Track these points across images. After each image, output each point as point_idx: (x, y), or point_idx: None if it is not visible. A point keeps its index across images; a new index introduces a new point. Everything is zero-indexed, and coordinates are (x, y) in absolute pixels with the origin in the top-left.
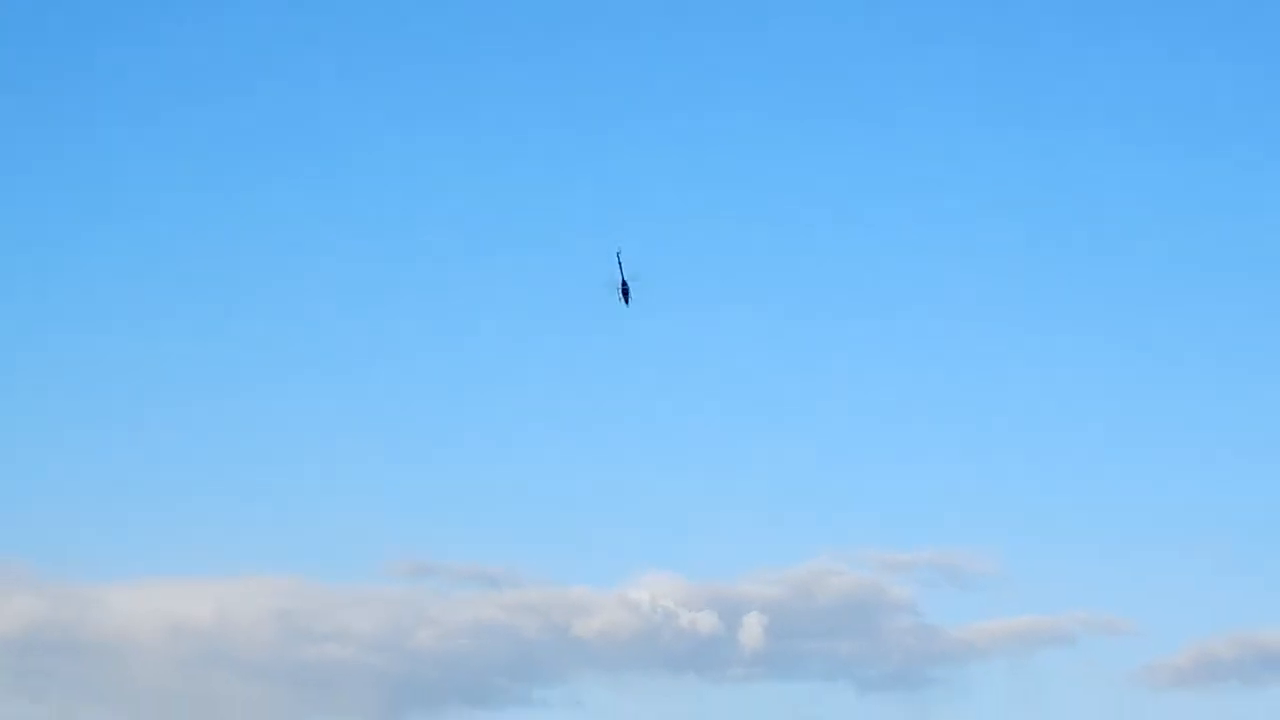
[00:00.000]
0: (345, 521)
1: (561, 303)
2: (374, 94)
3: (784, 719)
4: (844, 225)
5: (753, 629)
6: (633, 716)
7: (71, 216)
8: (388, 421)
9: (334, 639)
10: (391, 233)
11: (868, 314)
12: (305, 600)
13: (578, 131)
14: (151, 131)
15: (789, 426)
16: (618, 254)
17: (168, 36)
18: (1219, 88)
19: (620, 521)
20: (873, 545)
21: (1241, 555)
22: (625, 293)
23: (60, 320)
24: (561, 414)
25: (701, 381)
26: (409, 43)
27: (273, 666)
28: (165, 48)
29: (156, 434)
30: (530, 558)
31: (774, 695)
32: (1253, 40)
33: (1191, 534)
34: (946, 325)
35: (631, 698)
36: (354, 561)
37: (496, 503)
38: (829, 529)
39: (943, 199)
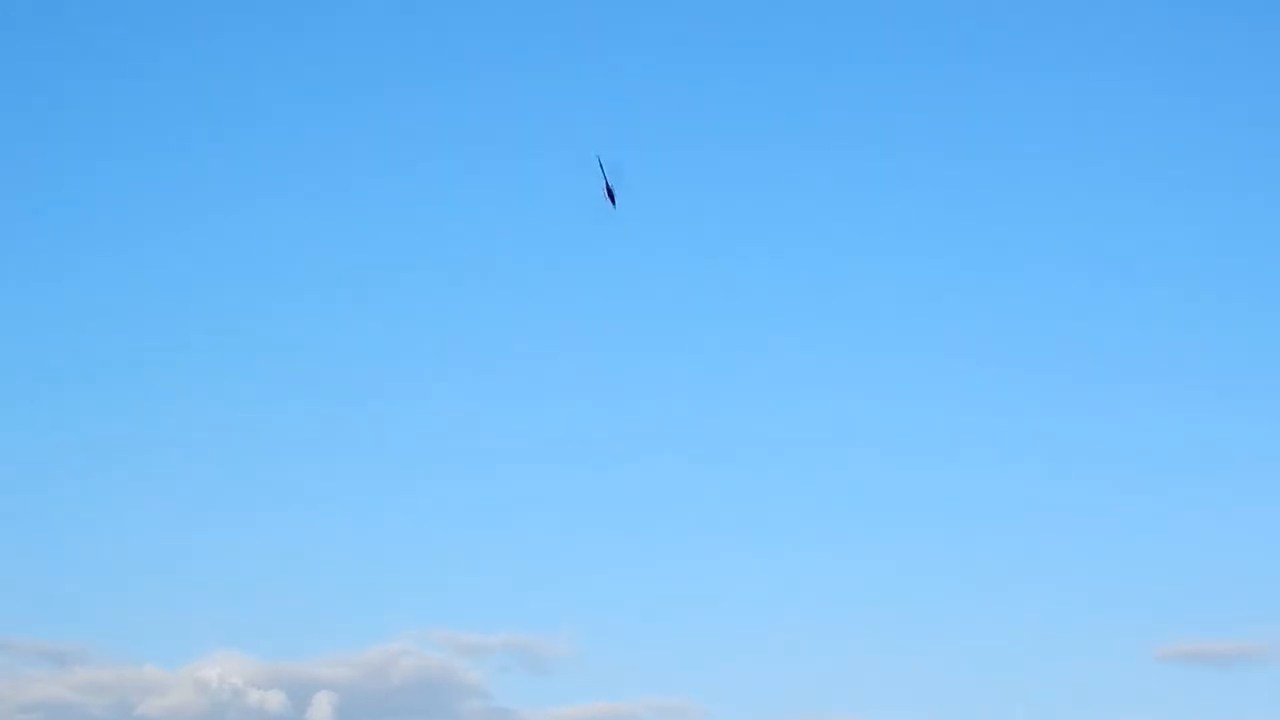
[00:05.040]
0: None
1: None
2: None
3: None
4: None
5: (322, 708)
6: None
7: None
8: None
9: None
10: None
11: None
12: None
13: None
14: None
15: (357, 509)
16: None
17: None
18: None
19: (193, 599)
20: (448, 627)
21: (814, 641)
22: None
23: None
24: (130, 487)
25: (273, 465)
26: None
27: None
28: None
29: None
30: (101, 635)
31: None
32: None
33: (764, 619)
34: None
35: None
36: None
37: (66, 578)
38: (406, 610)
39: None
